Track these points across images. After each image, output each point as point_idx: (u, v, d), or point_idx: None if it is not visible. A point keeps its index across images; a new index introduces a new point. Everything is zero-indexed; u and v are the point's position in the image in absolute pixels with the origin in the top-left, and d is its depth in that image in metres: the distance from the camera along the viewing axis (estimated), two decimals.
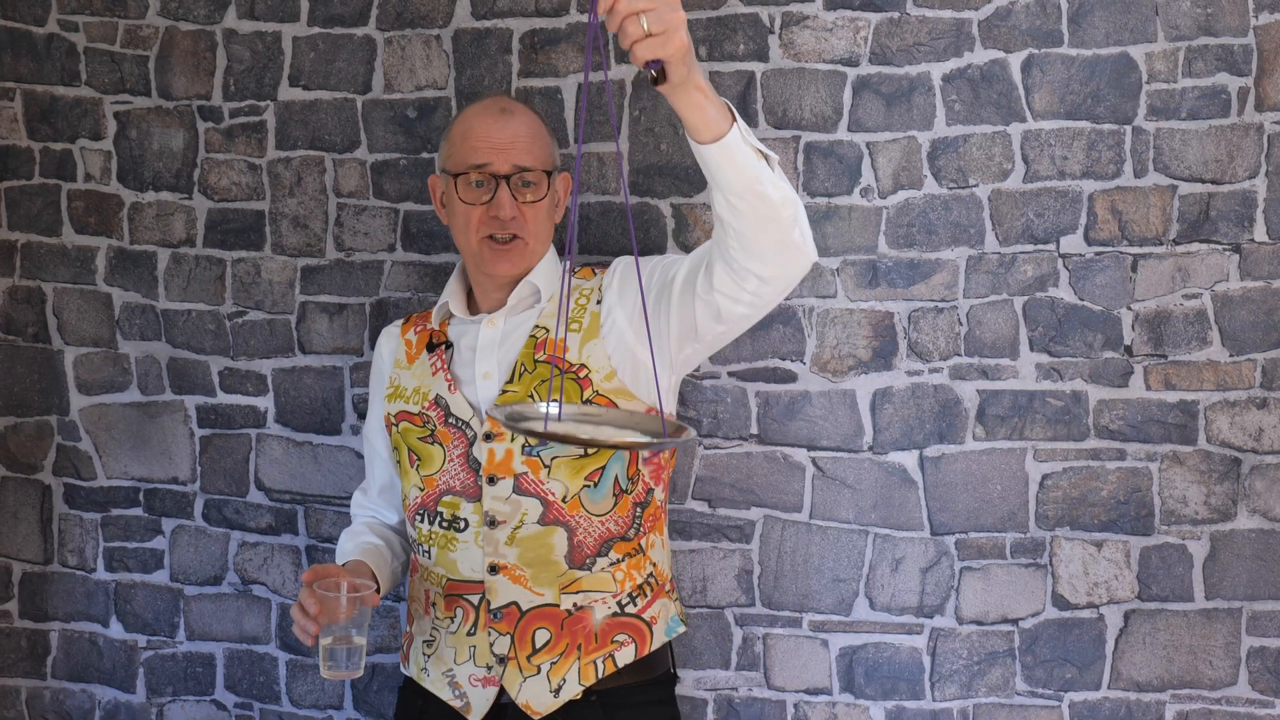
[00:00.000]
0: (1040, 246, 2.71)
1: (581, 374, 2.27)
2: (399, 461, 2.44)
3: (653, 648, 2.35)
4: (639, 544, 2.35)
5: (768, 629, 2.80)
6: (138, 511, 3.05)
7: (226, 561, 3.03)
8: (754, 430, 2.79)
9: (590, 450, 2.24)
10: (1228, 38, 2.63)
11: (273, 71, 2.94)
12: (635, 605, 2.33)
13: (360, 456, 2.94)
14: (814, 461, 2.78)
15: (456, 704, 2.32)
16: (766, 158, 1.91)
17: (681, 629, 2.44)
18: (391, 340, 2.55)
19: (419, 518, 2.38)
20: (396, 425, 2.42)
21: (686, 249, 2.78)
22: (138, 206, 3.00)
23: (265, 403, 3.00)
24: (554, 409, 1.98)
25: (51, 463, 3.08)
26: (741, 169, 1.87)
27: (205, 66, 2.96)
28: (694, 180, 2.77)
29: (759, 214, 1.92)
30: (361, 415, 2.95)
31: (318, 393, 2.98)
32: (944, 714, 2.77)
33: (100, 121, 3.00)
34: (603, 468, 2.27)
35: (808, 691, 2.79)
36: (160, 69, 2.97)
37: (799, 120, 2.75)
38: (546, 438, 1.87)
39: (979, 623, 2.75)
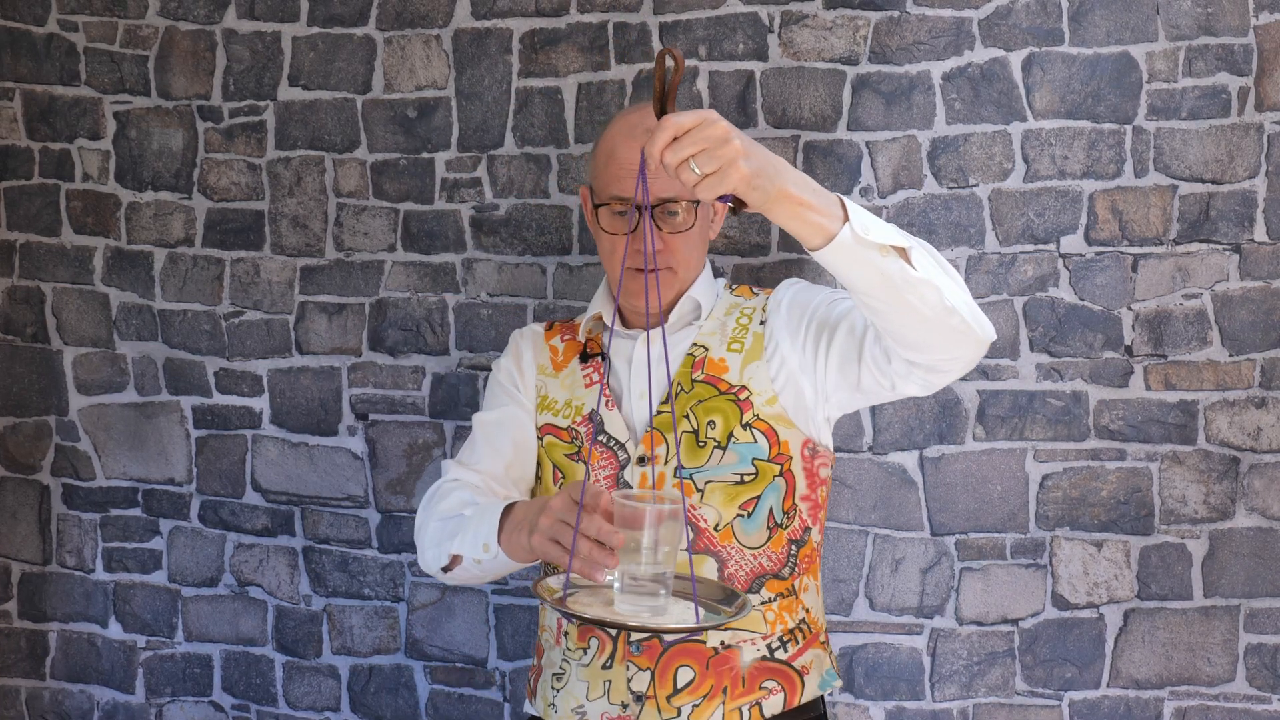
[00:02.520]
0: (1040, 246, 2.71)
1: (742, 395, 2.11)
2: (540, 478, 2.26)
3: (803, 700, 2.13)
4: (792, 585, 2.14)
5: None
6: (136, 512, 3.05)
7: (223, 563, 3.03)
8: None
9: (747, 477, 2.09)
10: (1228, 38, 2.63)
11: (272, 71, 2.94)
12: (786, 651, 2.12)
13: (358, 458, 2.94)
14: None
15: None
16: (903, 248, 1.73)
17: (837, 683, 2.21)
18: (535, 341, 2.37)
19: None
20: (542, 439, 2.25)
21: None
22: (135, 206, 3.00)
23: (260, 403, 3.00)
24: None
25: (50, 463, 3.07)
26: (863, 268, 1.72)
27: (205, 66, 2.96)
28: None
29: (898, 310, 1.77)
30: (359, 416, 2.95)
31: (314, 393, 2.97)
32: (944, 714, 2.77)
33: (100, 121, 2.99)
34: (758, 497, 2.09)
35: None
36: (160, 69, 2.97)
37: (798, 119, 2.75)
38: (579, 619, 1.75)
39: (979, 623, 2.75)
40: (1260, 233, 2.66)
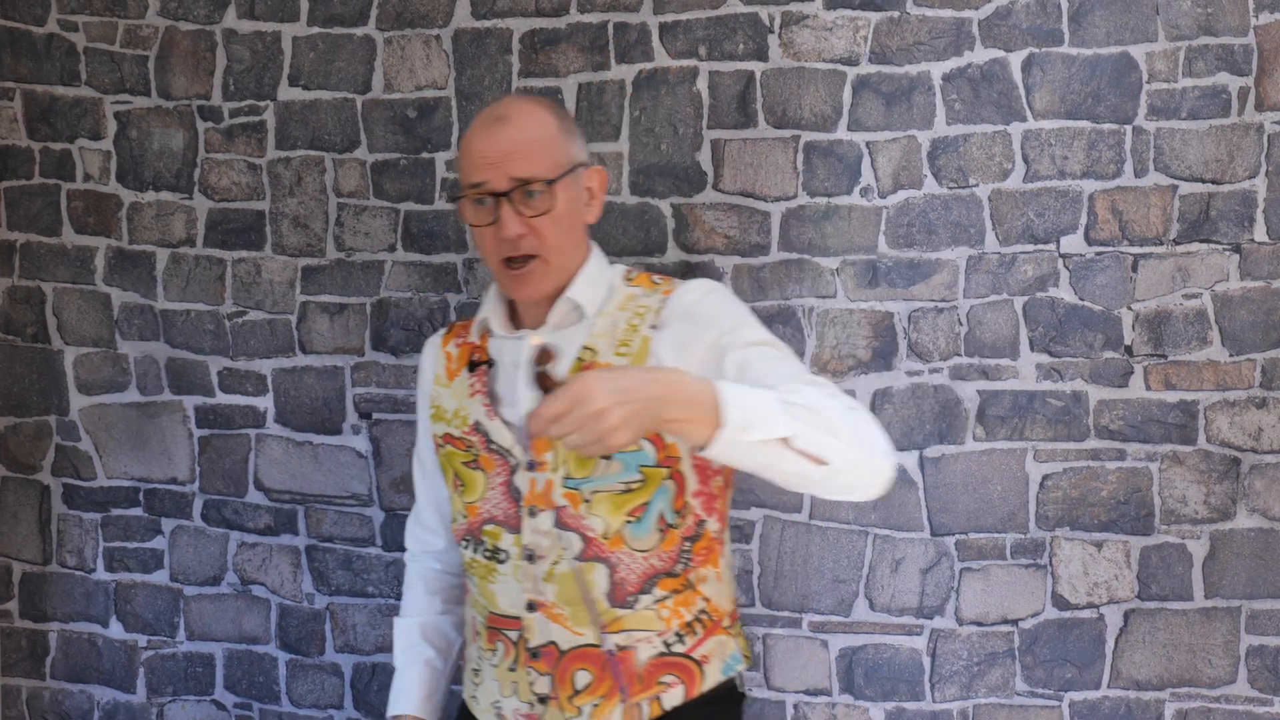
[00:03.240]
0: (1040, 246, 2.71)
1: None
2: (448, 484, 2.28)
3: (704, 689, 2.14)
4: (687, 579, 2.13)
5: (768, 629, 2.80)
6: (138, 511, 3.05)
7: (225, 562, 3.03)
8: None
9: (634, 485, 2.06)
10: (1228, 38, 2.63)
11: (272, 71, 2.94)
12: (684, 644, 2.13)
13: (361, 456, 2.95)
14: None
15: None
16: (787, 436, 1.73)
17: (741, 666, 2.21)
18: (433, 352, 2.35)
19: (464, 543, 2.22)
20: (443, 447, 2.25)
21: (686, 249, 2.78)
22: (136, 206, 3.00)
23: (265, 403, 3.00)
24: None
25: (50, 463, 3.08)
26: (745, 460, 1.74)
27: (205, 66, 2.96)
28: (694, 180, 2.77)
29: (786, 480, 1.79)
30: (363, 415, 2.96)
31: (318, 392, 2.98)
32: (944, 715, 2.77)
33: (100, 121, 3.00)
34: (647, 503, 2.07)
35: (807, 692, 2.79)
36: (160, 69, 2.97)
37: (799, 120, 2.75)
38: None
39: (979, 623, 2.75)
40: (1260, 233, 2.65)
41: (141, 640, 3.07)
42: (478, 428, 2.18)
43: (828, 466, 1.76)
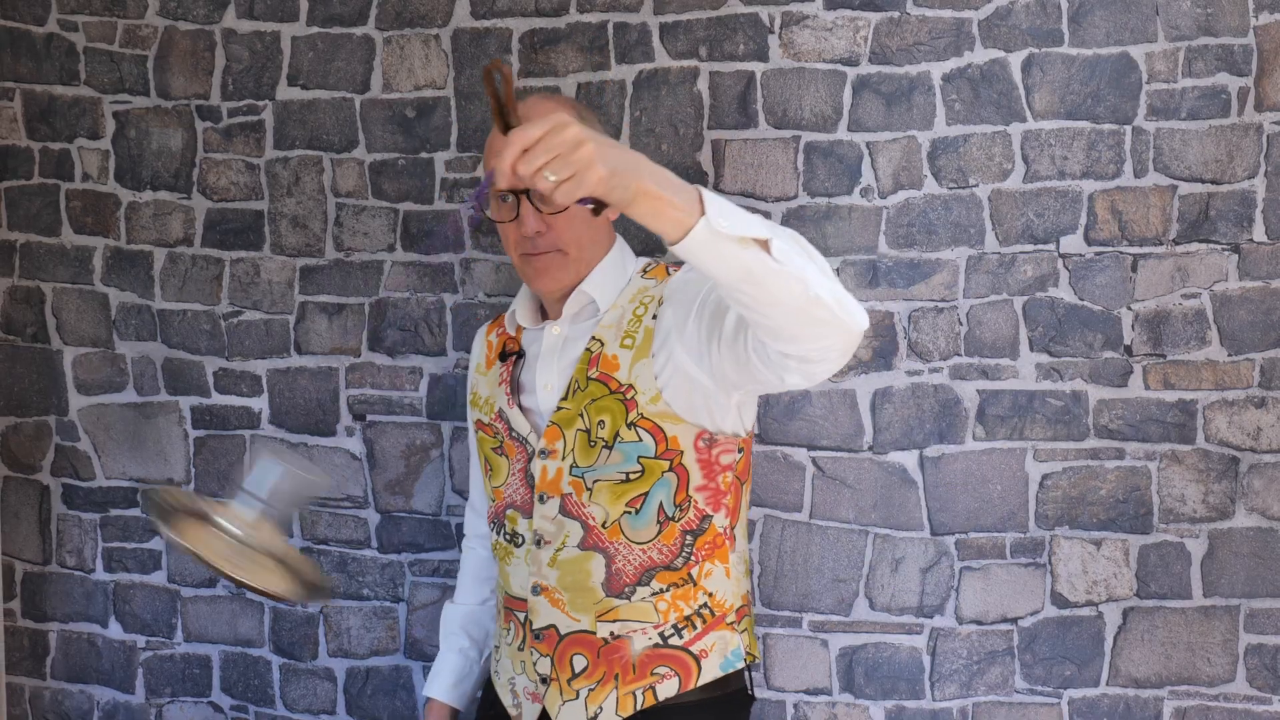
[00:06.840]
0: (1040, 246, 2.71)
1: (629, 394, 2.13)
2: (481, 469, 2.41)
3: (700, 682, 2.19)
4: (688, 574, 2.19)
5: (768, 629, 2.80)
6: (136, 512, 3.05)
7: None
8: (754, 430, 2.79)
9: (633, 475, 2.14)
10: (1228, 38, 2.64)
11: (271, 71, 2.94)
12: (681, 637, 2.19)
13: (356, 458, 2.95)
14: (814, 461, 2.78)
15: (514, 712, 2.30)
16: (764, 239, 1.66)
17: (741, 664, 2.25)
18: (479, 341, 2.48)
19: (493, 526, 2.34)
20: (477, 433, 2.38)
21: None
22: (134, 206, 2.99)
23: (259, 404, 2.99)
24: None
25: (50, 463, 3.07)
26: (723, 261, 1.65)
27: (204, 66, 2.96)
28: (694, 180, 2.74)
29: (763, 302, 1.70)
30: (357, 417, 2.96)
31: (313, 394, 2.97)
32: (944, 713, 2.77)
33: (99, 121, 2.99)
34: (646, 494, 2.14)
35: (808, 691, 2.80)
36: (159, 69, 2.97)
37: (799, 120, 2.76)
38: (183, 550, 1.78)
39: (979, 622, 2.76)
40: (1259, 233, 2.66)
41: (140, 641, 3.07)
42: (501, 415, 2.29)
43: (806, 287, 1.67)
